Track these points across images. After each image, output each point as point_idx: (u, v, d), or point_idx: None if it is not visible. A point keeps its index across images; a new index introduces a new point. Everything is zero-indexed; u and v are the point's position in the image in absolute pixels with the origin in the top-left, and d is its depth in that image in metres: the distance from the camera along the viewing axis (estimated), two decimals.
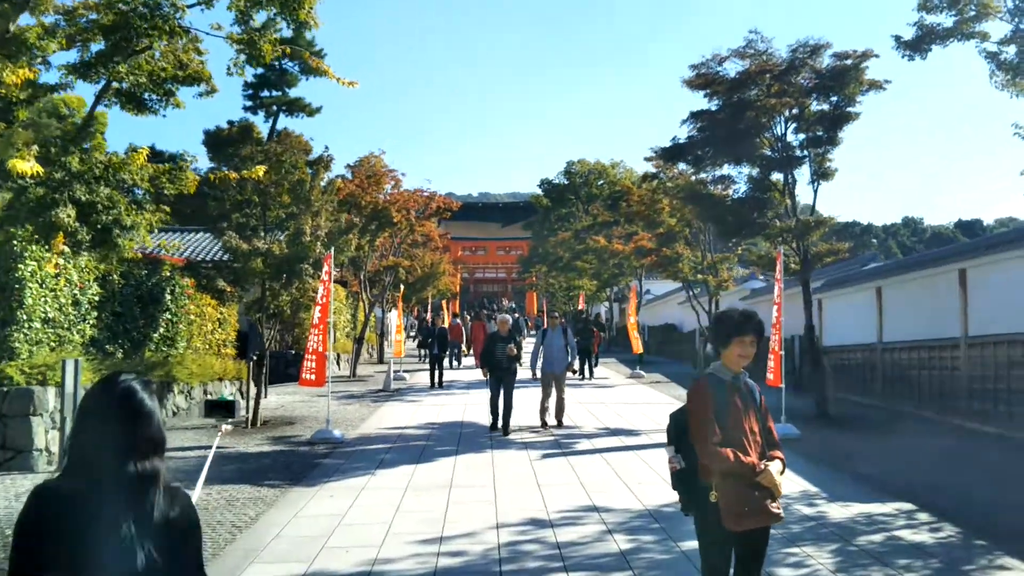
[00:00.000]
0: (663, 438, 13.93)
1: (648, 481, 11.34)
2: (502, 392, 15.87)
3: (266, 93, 51.39)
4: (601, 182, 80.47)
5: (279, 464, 12.97)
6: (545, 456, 13.36)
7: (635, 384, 26.09)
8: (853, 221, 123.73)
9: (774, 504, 4.83)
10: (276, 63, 51.39)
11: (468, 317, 42.67)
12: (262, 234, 17.50)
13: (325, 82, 19.23)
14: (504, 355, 15.87)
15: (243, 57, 12.17)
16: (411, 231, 32.28)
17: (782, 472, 4.90)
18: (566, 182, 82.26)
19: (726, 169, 18.62)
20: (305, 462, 13.11)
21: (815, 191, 17.98)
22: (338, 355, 32.25)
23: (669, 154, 18.55)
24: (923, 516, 9.48)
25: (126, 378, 2.79)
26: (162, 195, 12.10)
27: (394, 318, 35.63)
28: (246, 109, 51.16)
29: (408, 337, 36.51)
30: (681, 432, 5.19)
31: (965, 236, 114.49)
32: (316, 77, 52.64)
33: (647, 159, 28.13)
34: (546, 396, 16.42)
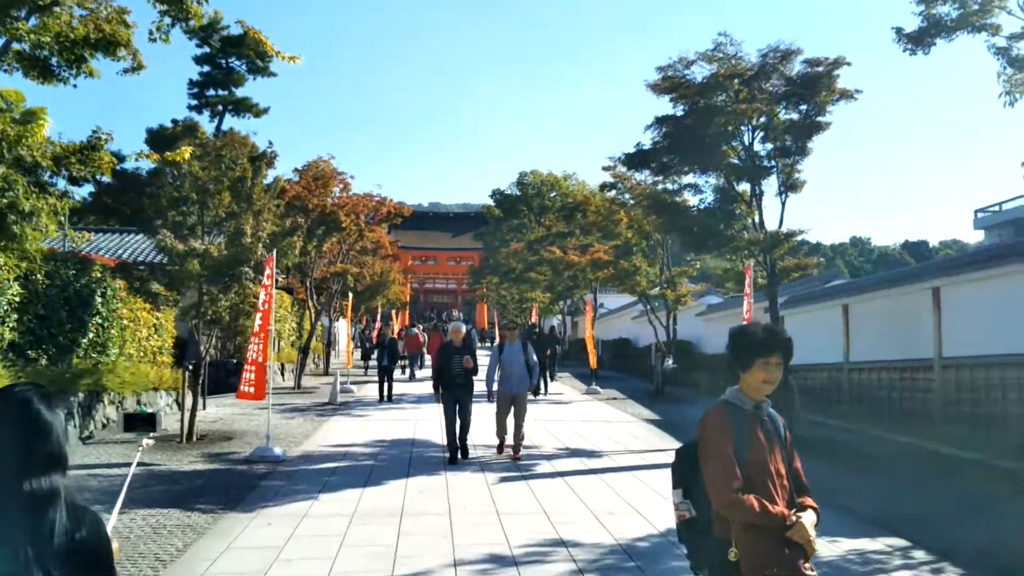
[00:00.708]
0: (626, 460, 13.03)
1: (617, 510, 10.43)
2: (458, 412, 14.08)
3: (212, 92, 49.95)
4: (554, 194, 79.86)
5: (213, 485, 11.85)
6: (504, 480, 12.41)
7: (591, 400, 25.23)
8: (802, 240, 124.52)
9: (807, 565, 3.90)
10: (223, 60, 50.37)
11: (422, 327, 41.56)
12: (200, 234, 16.37)
13: (272, 83, 18.14)
14: (460, 368, 14.04)
15: (168, 20, 10.88)
16: (360, 237, 31.14)
17: (816, 524, 3.98)
18: (518, 193, 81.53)
19: (691, 178, 17.91)
20: (242, 483, 12.02)
21: (783, 203, 17.32)
22: (282, 365, 31.11)
23: (633, 161, 17.76)
24: (919, 554, 8.70)
25: (22, 389, 2.60)
26: (82, 181, 10.66)
27: (343, 327, 34.54)
28: (191, 108, 49.67)
29: (356, 347, 35.39)
30: (690, 472, 4.22)
31: (912, 257, 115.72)
32: (264, 77, 51.61)
33: (605, 168, 27.55)
34: (503, 419, 14.51)
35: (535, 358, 14.83)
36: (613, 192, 27.45)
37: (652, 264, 28.04)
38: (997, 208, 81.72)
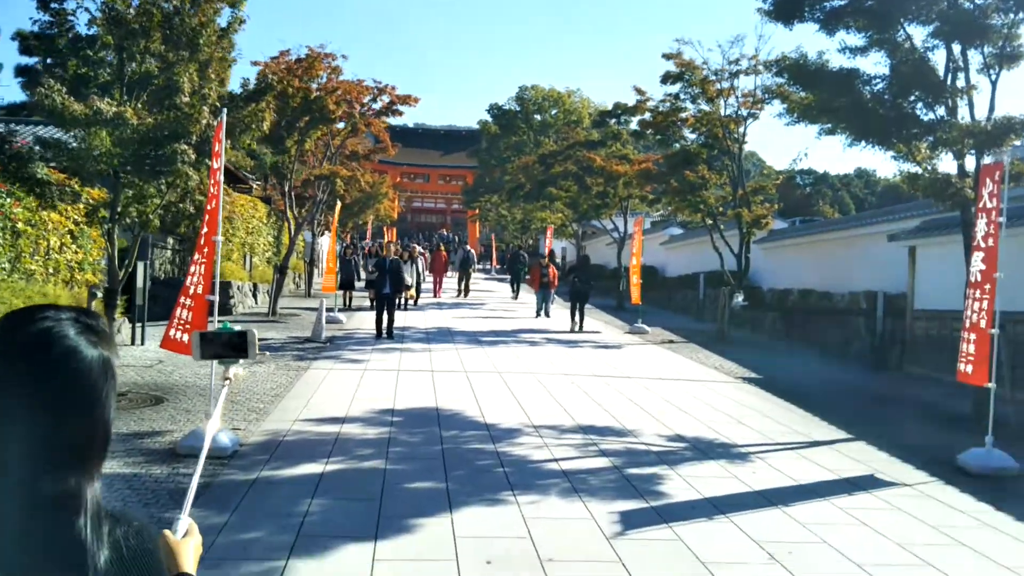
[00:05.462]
0: (792, 466, 6.60)
1: None
2: None
3: None
4: (555, 111, 74.73)
5: None
6: (625, 515, 6.93)
7: (644, 344, 19.76)
8: (808, 168, 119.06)
9: None
10: None
11: (416, 247, 36.13)
12: (120, 97, 10.58)
13: None
14: None
15: None
16: (353, 131, 25.20)
17: None
18: (517, 108, 76.33)
19: (860, 40, 12.07)
20: (151, 519, 6.49)
21: (994, 82, 11.65)
22: (255, 286, 25.58)
23: (785, 6, 11.98)
24: None
25: (49, 316, 1.39)
26: None
27: (327, 244, 29.02)
28: None
29: (365, 271, 29.63)
30: None
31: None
32: None
33: (666, 56, 21.82)
34: None
35: None
36: (678, 86, 21.66)
37: (720, 177, 22.37)
38: None
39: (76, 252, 15.14)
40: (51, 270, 14.30)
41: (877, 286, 18.10)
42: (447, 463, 8.31)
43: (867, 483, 8.34)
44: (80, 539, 1.33)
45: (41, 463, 1.32)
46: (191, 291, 9.17)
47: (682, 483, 7.93)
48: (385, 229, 51.80)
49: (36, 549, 1.31)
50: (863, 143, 11.83)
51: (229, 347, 2.58)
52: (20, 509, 1.30)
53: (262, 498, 7.02)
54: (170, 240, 21.85)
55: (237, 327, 2.58)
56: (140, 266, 17.76)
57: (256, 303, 24.86)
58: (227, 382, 2.59)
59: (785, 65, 12.99)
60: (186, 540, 1.65)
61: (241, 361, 2.76)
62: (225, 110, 8.99)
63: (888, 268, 18.00)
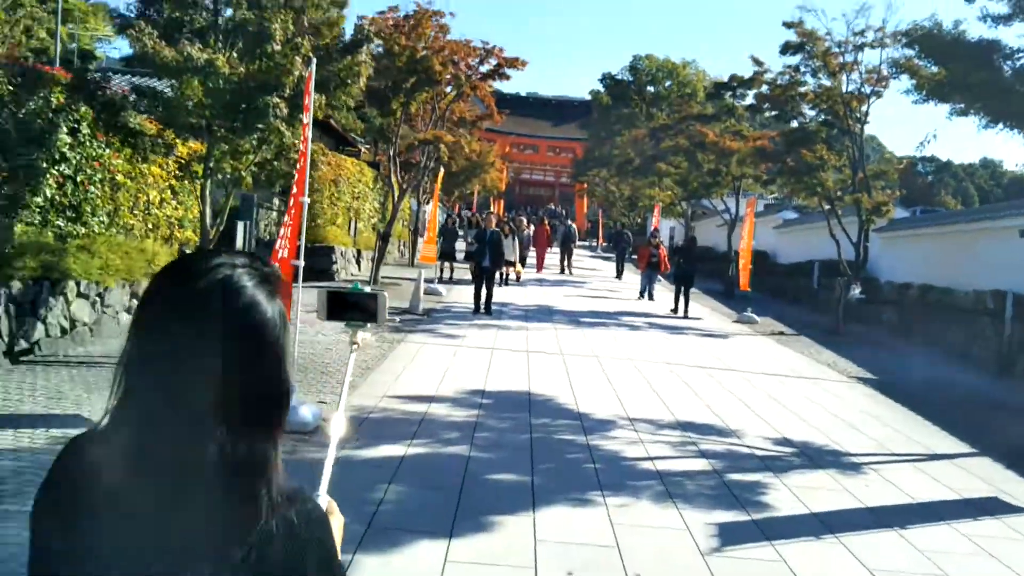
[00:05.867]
0: (908, 481, 6.12)
1: None
2: None
3: None
4: (669, 83, 73.16)
5: None
6: (724, 528, 6.33)
7: (753, 335, 18.90)
8: (931, 156, 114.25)
9: None
10: None
11: (523, 219, 35.72)
12: (214, 43, 10.30)
13: None
14: None
15: None
16: (459, 95, 24.72)
17: None
18: (630, 79, 74.92)
19: (997, 7, 11.01)
20: None
21: None
22: (359, 252, 25.55)
23: None
24: None
25: (225, 263, 1.30)
26: None
27: (429, 212, 28.74)
28: None
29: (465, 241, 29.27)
30: None
31: None
32: None
33: (787, 25, 20.78)
34: None
35: None
36: (797, 57, 20.62)
37: (839, 159, 21.24)
38: None
39: (176, 208, 15.08)
40: (150, 225, 14.24)
41: (1004, 284, 16.87)
42: (535, 454, 7.82)
43: (992, 507, 7.55)
44: (257, 508, 1.24)
45: (226, 424, 1.22)
46: (278, 255, 8.84)
47: (788, 494, 7.27)
48: (492, 200, 51.47)
49: (211, 514, 1.21)
50: (999, 125, 10.86)
51: (357, 310, 2.45)
52: (202, 471, 1.21)
53: (339, 481, 6.60)
54: (275, 201, 21.82)
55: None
56: (240, 225, 17.70)
57: (359, 270, 24.80)
58: (355, 347, 2.47)
59: (917, 35, 12.04)
60: (331, 520, 1.48)
61: (369, 326, 2.60)
62: (314, 60, 8.61)
63: (1017, 266, 16.77)
